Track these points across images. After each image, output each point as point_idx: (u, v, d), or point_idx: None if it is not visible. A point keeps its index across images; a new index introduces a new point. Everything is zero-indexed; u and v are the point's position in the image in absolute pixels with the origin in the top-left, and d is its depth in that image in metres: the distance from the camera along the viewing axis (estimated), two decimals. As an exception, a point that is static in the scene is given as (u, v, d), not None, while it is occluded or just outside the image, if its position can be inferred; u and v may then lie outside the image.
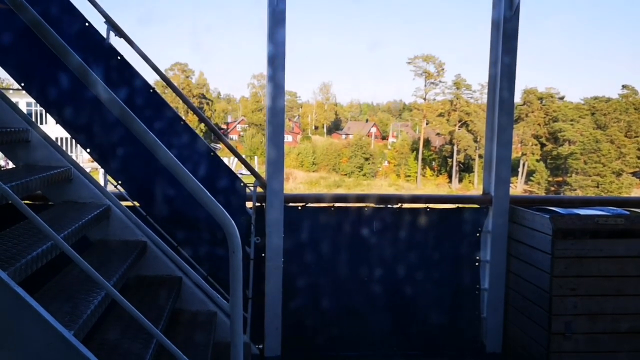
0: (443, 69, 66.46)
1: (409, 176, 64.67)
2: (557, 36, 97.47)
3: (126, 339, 2.70)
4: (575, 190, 55.96)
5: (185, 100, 4.94)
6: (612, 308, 4.07)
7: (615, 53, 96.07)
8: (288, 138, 65.76)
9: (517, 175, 59.94)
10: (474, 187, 58.92)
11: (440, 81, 66.75)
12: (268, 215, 4.35)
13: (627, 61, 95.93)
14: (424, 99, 67.82)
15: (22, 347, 2.04)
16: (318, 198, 4.73)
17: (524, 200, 4.97)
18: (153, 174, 3.86)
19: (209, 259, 3.96)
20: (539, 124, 62.34)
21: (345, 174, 64.90)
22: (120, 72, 3.86)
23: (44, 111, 4.02)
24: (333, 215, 4.59)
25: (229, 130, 70.99)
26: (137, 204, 4.03)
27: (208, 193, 2.27)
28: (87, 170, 3.89)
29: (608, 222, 4.05)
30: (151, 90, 4.00)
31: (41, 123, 4.44)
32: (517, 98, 54.32)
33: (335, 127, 79.24)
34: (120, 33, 4.00)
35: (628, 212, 4.32)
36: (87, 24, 3.80)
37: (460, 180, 63.78)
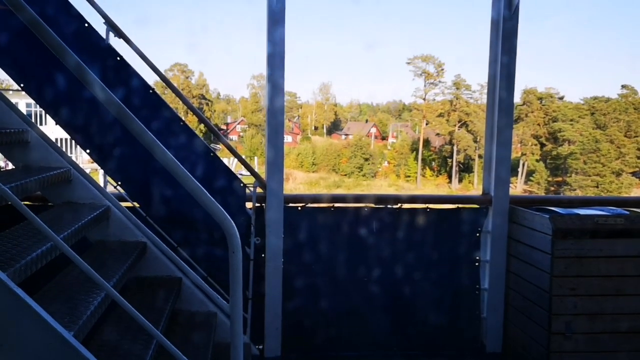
0: (442, 69, 66.56)
1: (409, 176, 64.68)
2: (556, 36, 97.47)
3: (126, 339, 2.70)
4: (574, 190, 55.97)
5: (184, 101, 4.94)
6: (612, 308, 4.07)
7: (615, 53, 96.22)
8: (288, 138, 65.76)
9: (516, 175, 59.96)
10: (474, 187, 58.94)
11: (439, 81, 66.86)
12: (267, 216, 4.35)
13: (627, 61, 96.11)
14: (424, 99, 67.89)
15: (21, 347, 2.04)
16: (317, 198, 4.72)
17: (524, 200, 4.97)
18: (152, 174, 3.86)
19: (208, 259, 3.96)
20: (538, 124, 62.36)
21: (345, 175, 64.92)
22: (120, 73, 3.86)
23: (43, 112, 4.01)
24: (333, 215, 4.59)
25: (228, 131, 70.99)
26: (136, 204, 4.03)
27: (207, 193, 2.27)
28: (87, 171, 3.89)
29: (608, 222, 4.05)
30: (150, 91, 4.00)
31: (41, 124, 4.43)
32: (517, 98, 54.53)
33: (335, 128, 79.25)
34: (119, 34, 4.01)
35: (628, 212, 4.32)
36: (86, 25, 3.80)
37: (460, 181, 63.80)
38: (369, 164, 66.14)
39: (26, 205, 2.19)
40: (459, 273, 4.76)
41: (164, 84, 4.56)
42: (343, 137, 73.68)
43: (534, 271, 4.22)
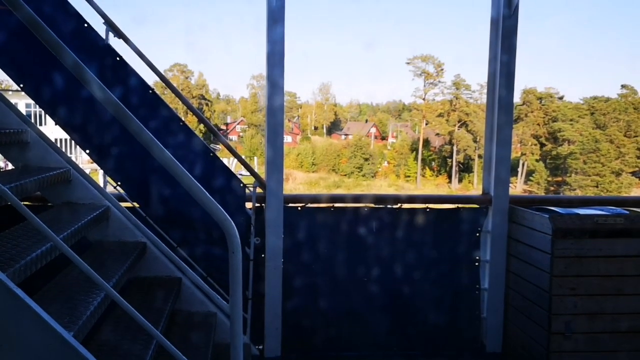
0: (442, 69, 66.58)
1: (409, 176, 64.70)
2: (556, 36, 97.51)
3: (126, 340, 2.70)
4: (574, 190, 56.00)
5: (184, 101, 4.94)
6: (612, 307, 4.07)
7: (615, 53, 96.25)
8: (287, 139, 65.78)
9: (516, 175, 59.98)
10: (474, 187, 58.96)
11: (439, 81, 66.89)
12: (267, 216, 4.35)
13: (626, 61, 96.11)
14: (423, 99, 67.91)
15: (21, 348, 2.04)
16: (317, 198, 4.72)
17: (524, 200, 4.97)
18: (152, 174, 3.86)
19: (208, 259, 3.96)
20: (538, 124, 62.38)
21: (345, 175, 64.93)
22: (118, 72, 3.86)
23: (43, 112, 4.01)
24: (333, 215, 4.59)
25: (228, 131, 70.98)
26: (136, 204, 4.03)
27: (206, 192, 2.27)
28: (87, 171, 3.89)
29: (607, 222, 4.05)
30: (150, 91, 4.00)
31: (40, 124, 4.44)
32: (517, 98, 54.34)
33: (334, 128, 79.25)
34: (119, 34, 4.00)
35: (627, 212, 4.32)
36: (85, 25, 3.80)
37: (459, 181, 63.82)
38: (368, 164, 66.16)
39: (26, 205, 2.19)
40: (459, 273, 4.76)
41: (164, 84, 4.56)
42: (343, 137, 73.68)
43: (534, 271, 4.22)
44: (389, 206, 4.64)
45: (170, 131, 3.95)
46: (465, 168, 64.83)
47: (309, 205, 4.56)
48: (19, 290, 2.02)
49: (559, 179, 59.91)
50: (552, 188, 58.83)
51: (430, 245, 4.69)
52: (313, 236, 4.56)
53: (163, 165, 2.25)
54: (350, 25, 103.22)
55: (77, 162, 3.78)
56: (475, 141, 62.36)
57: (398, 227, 4.62)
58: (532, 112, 62.43)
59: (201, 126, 39.16)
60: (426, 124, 66.80)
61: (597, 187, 55.87)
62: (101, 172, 4.25)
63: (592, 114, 62.54)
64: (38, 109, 4.33)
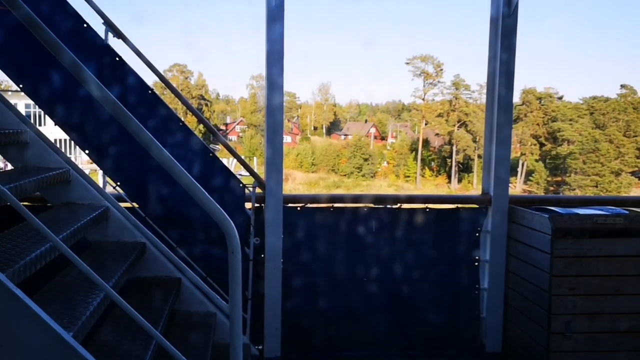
0: (442, 70, 66.61)
1: (408, 177, 64.71)
2: (556, 36, 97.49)
3: (125, 340, 2.70)
4: (574, 190, 56.04)
5: (183, 101, 4.94)
6: (612, 307, 4.07)
7: (614, 53, 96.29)
8: (287, 139, 65.83)
9: (516, 175, 60.01)
10: (473, 187, 58.99)
11: (439, 81, 66.93)
12: (267, 216, 4.34)
13: (626, 61, 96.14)
14: (423, 99, 67.93)
15: (20, 348, 2.04)
16: (316, 198, 4.72)
17: (523, 200, 4.97)
18: (151, 174, 3.85)
19: (208, 259, 3.96)
20: (537, 124, 62.41)
21: (345, 175, 64.94)
22: (117, 72, 3.86)
23: (42, 113, 4.01)
24: (332, 215, 4.59)
25: (227, 131, 70.98)
26: (135, 205, 4.03)
27: (205, 192, 2.27)
28: (86, 171, 3.89)
29: (607, 222, 4.05)
30: (149, 92, 4.00)
31: (40, 124, 4.43)
32: (516, 98, 54.55)
33: (334, 128, 79.26)
34: (118, 34, 4.00)
35: (627, 212, 4.32)
36: (84, 25, 3.80)
37: (459, 181, 63.83)
38: (368, 164, 66.17)
39: (25, 205, 2.19)
40: (459, 273, 4.76)
41: (163, 84, 4.56)
42: (342, 137, 73.69)
43: (534, 271, 4.22)
44: (388, 206, 4.64)
45: (168, 130, 3.95)
46: (465, 168, 64.86)
47: (309, 205, 4.56)
48: (18, 291, 2.02)
49: (559, 179, 59.94)
50: (551, 188, 58.86)
51: (429, 245, 4.69)
52: (312, 236, 4.55)
53: (161, 164, 2.25)
54: (350, 25, 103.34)
55: (76, 163, 3.78)
56: (474, 141, 62.39)
57: (397, 227, 4.62)
58: (531, 112, 62.46)
59: (201, 126, 39.17)
60: (426, 124, 66.81)
61: (596, 187, 55.90)
62: (100, 172, 4.25)
63: (591, 113, 62.57)
64: (37, 110, 4.33)
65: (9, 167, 3.75)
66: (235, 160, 5.04)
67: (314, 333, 4.59)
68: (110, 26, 3.97)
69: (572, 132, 60.67)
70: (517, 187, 58.59)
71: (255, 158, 53.81)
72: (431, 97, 67.62)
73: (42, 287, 2.67)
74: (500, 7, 4.40)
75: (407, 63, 67.34)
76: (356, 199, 4.77)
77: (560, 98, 65.25)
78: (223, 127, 71.94)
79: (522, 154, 61.80)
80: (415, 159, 65.10)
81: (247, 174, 4.82)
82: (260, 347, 4.42)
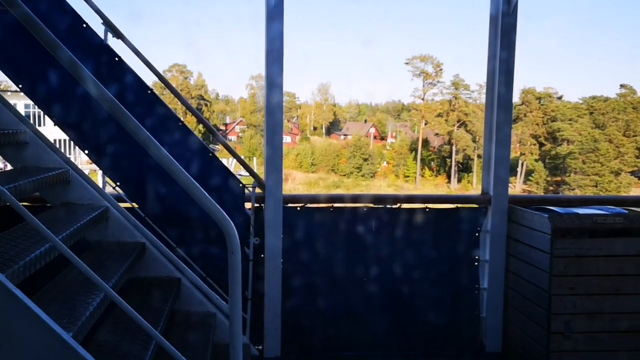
0: (441, 70, 66.62)
1: (408, 176, 64.72)
2: (556, 36, 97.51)
3: (125, 340, 2.70)
4: (573, 189, 56.06)
5: (183, 101, 4.94)
6: (611, 307, 4.07)
7: (614, 53, 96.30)
8: (287, 139, 65.83)
9: (515, 175, 60.01)
10: (473, 187, 59.01)
11: (438, 81, 66.95)
12: (266, 216, 4.34)
13: (626, 61, 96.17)
14: (422, 99, 67.94)
15: (20, 348, 2.04)
16: (316, 198, 4.72)
17: (523, 200, 4.98)
18: (151, 173, 3.85)
19: (208, 259, 3.96)
20: (537, 124, 62.43)
21: (344, 175, 64.94)
22: (115, 71, 3.86)
23: (42, 113, 4.01)
24: (332, 215, 4.59)
25: (227, 132, 70.97)
26: (135, 205, 4.03)
27: (204, 192, 2.27)
28: (86, 171, 3.88)
29: (606, 221, 4.05)
30: (149, 92, 4.00)
31: (39, 125, 4.43)
32: (516, 98, 54.43)
33: (333, 128, 79.27)
34: (117, 34, 4.00)
35: (626, 211, 4.32)
36: (84, 25, 3.80)
37: (459, 181, 63.85)
38: (368, 164, 66.18)
39: (24, 206, 2.19)
40: (458, 273, 4.75)
41: (163, 84, 4.56)
42: (342, 137, 73.69)
43: (533, 270, 4.22)
44: (388, 206, 4.64)
45: (166, 129, 3.94)
46: (465, 168, 64.88)
47: (308, 205, 4.55)
48: (18, 291, 2.02)
49: (558, 178, 59.96)
50: (551, 188, 58.89)
51: (429, 245, 4.69)
52: (312, 236, 4.55)
53: (160, 163, 2.25)
54: (349, 25, 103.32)
55: (76, 163, 3.78)
56: (474, 141, 62.39)
57: (397, 227, 4.62)
58: (531, 112, 62.48)
59: (200, 126, 39.20)
60: (425, 124, 66.82)
61: (596, 186, 55.92)
62: (100, 172, 4.25)
63: (591, 113, 62.59)
64: (37, 110, 4.33)
65: (9, 167, 3.75)
66: (235, 160, 5.03)
67: (314, 333, 4.59)
68: (109, 26, 3.96)
69: (571, 131, 60.69)
70: (516, 187, 58.61)
71: (255, 158, 53.82)
72: (431, 97, 67.72)
73: (42, 288, 2.67)
74: (500, 5, 4.40)
75: (407, 63, 67.43)
76: (356, 198, 4.77)
77: (559, 98, 65.30)
78: (223, 127, 71.93)
79: (521, 154, 61.82)
80: (415, 159, 65.10)
81: (247, 174, 4.82)
82: (260, 347, 4.41)
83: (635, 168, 59.03)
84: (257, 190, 4.37)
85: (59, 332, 2.03)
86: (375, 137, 73.21)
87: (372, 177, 65.42)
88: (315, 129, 79.06)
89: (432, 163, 66.53)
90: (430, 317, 4.70)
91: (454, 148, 63.99)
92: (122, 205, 3.81)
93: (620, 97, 63.70)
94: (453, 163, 64.10)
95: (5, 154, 3.60)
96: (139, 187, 4.02)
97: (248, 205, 4.31)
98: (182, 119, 4.34)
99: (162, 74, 4.44)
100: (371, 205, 4.63)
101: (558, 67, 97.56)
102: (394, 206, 4.63)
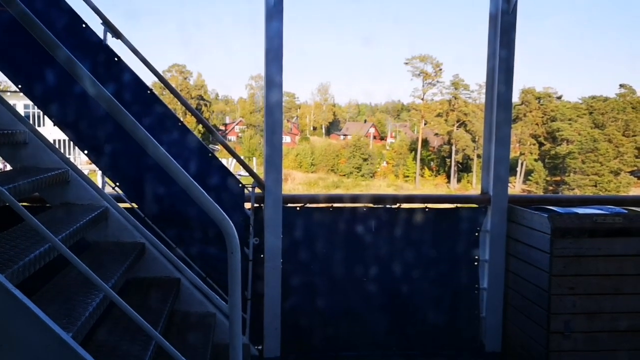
0: (441, 70, 66.61)
1: (408, 176, 64.73)
2: (555, 36, 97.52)
3: (124, 340, 2.69)
4: (573, 189, 56.07)
5: (182, 102, 4.94)
6: (611, 307, 4.07)
7: (613, 53, 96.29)
8: (286, 139, 65.85)
9: (515, 174, 60.01)
10: (473, 187, 59.00)
11: (438, 81, 66.94)
12: (266, 216, 4.34)
13: (625, 61, 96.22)
14: (422, 99, 67.93)
15: (20, 349, 2.04)
16: (316, 198, 4.72)
17: (523, 200, 4.98)
18: (150, 173, 3.85)
19: (207, 259, 3.96)
20: (537, 124, 62.44)
21: (344, 175, 64.95)
22: (113, 70, 3.85)
23: (41, 113, 4.01)
24: (332, 215, 4.59)
25: (227, 132, 70.95)
26: (135, 205, 4.03)
27: (204, 192, 2.26)
28: (85, 172, 3.88)
29: (606, 221, 4.05)
30: (148, 92, 3.99)
31: (39, 125, 4.43)
32: (515, 98, 54.52)
33: (333, 128, 79.26)
34: (117, 34, 4.00)
35: (626, 211, 4.32)
36: (83, 25, 3.79)
37: (458, 181, 63.85)
38: (367, 164, 66.18)
39: (24, 206, 2.19)
40: (458, 272, 4.75)
41: (162, 84, 4.55)
42: (342, 137, 73.68)
43: (533, 270, 4.22)
44: (387, 206, 4.64)
45: (165, 128, 3.94)
46: (464, 168, 64.89)
47: (308, 205, 4.55)
48: (17, 291, 2.02)
49: (558, 178, 59.99)
50: (550, 188, 58.91)
51: (429, 245, 4.69)
52: (312, 236, 4.55)
53: (158, 162, 2.24)
54: (349, 25, 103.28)
55: (75, 163, 3.78)
56: (474, 141, 62.39)
57: (397, 227, 4.62)
58: (530, 111, 62.48)
59: (200, 126, 39.16)
60: (425, 124, 66.82)
61: (595, 186, 55.93)
62: (99, 172, 4.24)
63: (590, 113, 62.60)
64: (36, 110, 4.33)
65: (8, 167, 3.75)
66: (234, 160, 5.03)
67: (313, 333, 4.59)
68: (108, 26, 3.96)
69: (571, 131, 60.71)
70: (516, 186, 58.62)
71: (254, 158, 53.80)
72: (430, 97, 67.72)
73: (41, 288, 2.67)
74: (500, 3, 4.40)
75: (406, 63, 67.40)
76: (355, 198, 4.77)
77: (559, 98, 65.31)
78: (222, 128, 71.90)
79: (521, 154, 61.82)
80: (415, 158, 65.10)
81: (247, 174, 4.81)
82: (259, 347, 4.41)
83: (635, 168, 59.05)
84: (257, 190, 4.37)
85: (58, 333, 2.03)
86: (374, 137, 73.21)
87: (371, 177, 65.42)
88: (314, 129, 79.06)
89: (432, 163, 66.53)
90: (429, 316, 4.70)
91: (453, 148, 63.99)
92: (122, 205, 3.81)
93: (620, 97, 63.71)
94: (453, 163, 64.11)
95: (5, 154, 3.60)
96: (138, 187, 4.01)
97: (247, 205, 4.31)
98: (181, 119, 4.33)
99: (162, 74, 4.44)
100: (371, 205, 4.63)
101: (558, 67, 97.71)
102: (393, 206, 4.63)
